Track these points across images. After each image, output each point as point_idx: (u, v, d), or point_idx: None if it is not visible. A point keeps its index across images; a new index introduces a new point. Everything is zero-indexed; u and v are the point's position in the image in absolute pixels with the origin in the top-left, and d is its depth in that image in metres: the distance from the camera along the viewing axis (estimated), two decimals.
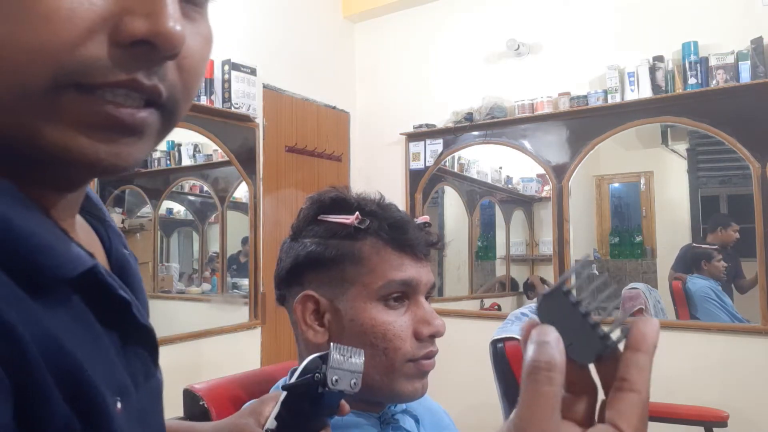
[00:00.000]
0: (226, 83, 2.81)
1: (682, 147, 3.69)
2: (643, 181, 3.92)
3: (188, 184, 3.15)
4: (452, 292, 3.88)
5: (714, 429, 2.17)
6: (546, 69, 3.12)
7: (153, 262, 2.84)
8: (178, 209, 3.15)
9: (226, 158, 2.90)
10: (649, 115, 2.82)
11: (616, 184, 4.09)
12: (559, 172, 3.04)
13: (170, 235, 3.10)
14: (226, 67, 2.80)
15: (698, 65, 2.67)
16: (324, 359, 0.55)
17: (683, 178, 3.74)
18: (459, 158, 3.69)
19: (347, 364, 0.55)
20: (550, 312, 0.36)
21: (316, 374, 0.54)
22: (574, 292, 0.36)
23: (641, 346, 0.34)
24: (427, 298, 0.80)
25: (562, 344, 0.34)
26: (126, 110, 0.33)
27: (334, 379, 0.54)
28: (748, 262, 3.00)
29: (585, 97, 2.95)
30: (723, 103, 2.62)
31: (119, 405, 0.35)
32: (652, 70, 2.78)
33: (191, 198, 3.20)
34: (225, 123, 2.84)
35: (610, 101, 2.87)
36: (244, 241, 3.04)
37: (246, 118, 2.93)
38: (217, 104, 2.78)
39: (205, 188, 3.14)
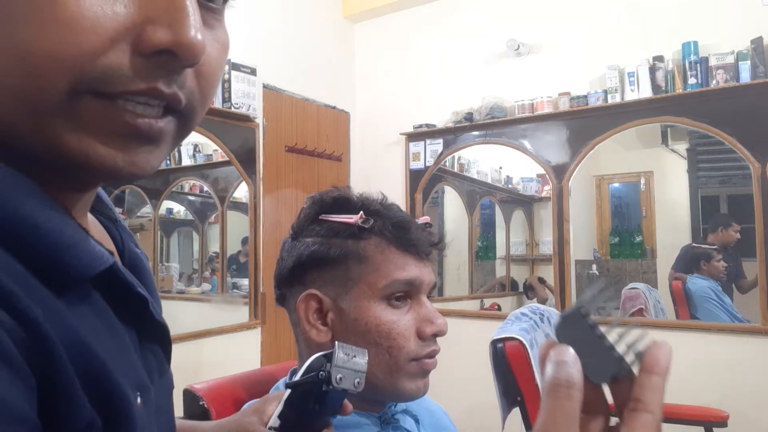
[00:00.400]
0: (226, 83, 2.81)
1: (682, 147, 3.69)
2: (643, 181, 3.93)
3: (188, 184, 3.15)
4: (452, 292, 3.88)
5: (714, 429, 2.17)
6: (546, 69, 3.12)
7: (153, 262, 2.84)
8: (178, 209, 3.15)
9: (226, 158, 2.90)
10: (649, 115, 2.82)
11: (616, 184, 4.10)
12: (559, 172, 3.04)
13: (170, 235, 3.10)
14: (226, 67, 2.80)
15: (698, 65, 2.67)
16: (328, 358, 0.55)
17: (683, 178, 3.74)
18: (459, 158, 3.69)
19: (351, 363, 0.55)
20: (568, 333, 0.38)
21: (321, 372, 0.54)
22: (591, 314, 0.38)
23: (655, 368, 0.36)
24: (427, 297, 0.80)
25: (579, 364, 0.36)
26: (144, 120, 0.33)
27: (338, 377, 0.54)
28: (748, 262, 3.00)
29: (585, 97, 2.95)
30: (723, 103, 2.62)
31: (139, 400, 0.35)
32: (652, 70, 2.78)
33: (191, 198, 3.20)
34: (225, 123, 2.85)
35: (610, 101, 2.87)
36: (244, 241, 3.04)
37: (246, 118, 2.93)
38: (217, 104, 2.78)
39: (205, 188, 3.14)
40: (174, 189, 3.08)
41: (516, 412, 1.82)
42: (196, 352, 2.63)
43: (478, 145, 3.35)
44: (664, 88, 2.75)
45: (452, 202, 4.03)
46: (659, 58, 2.78)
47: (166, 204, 3.02)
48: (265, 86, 3.08)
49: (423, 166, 3.49)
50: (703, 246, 3.24)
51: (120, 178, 0.35)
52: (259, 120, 3.04)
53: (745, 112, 2.58)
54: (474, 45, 3.37)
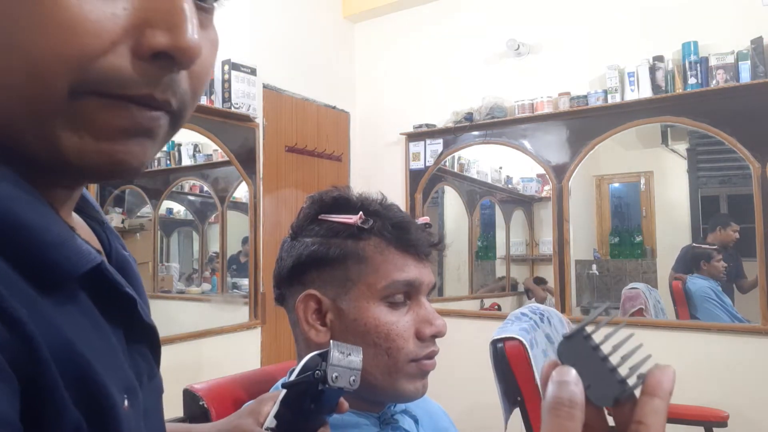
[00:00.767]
0: (226, 83, 2.81)
1: (682, 147, 3.69)
2: (643, 181, 3.93)
3: (188, 184, 3.15)
4: (452, 292, 3.88)
5: (714, 429, 2.17)
6: (546, 69, 3.12)
7: (153, 262, 2.84)
8: (178, 209, 3.15)
9: (226, 158, 2.90)
10: (649, 115, 2.82)
11: (616, 184, 4.10)
12: (559, 172, 3.04)
13: (170, 235, 3.10)
14: (226, 67, 2.80)
15: (698, 65, 2.67)
16: (323, 357, 0.55)
17: (683, 178, 3.74)
18: (459, 158, 3.69)
19: (346, 361, 0.55)
20: (570, 353, 0.38)
21: (317, 371, 0.54)
22: (594, 336, 0.38)
23: (657, 391, 0.36)
24: (427, 298, 0.80)
25: (581, 385, 0.36)
26: (142, 113, 0.34)
27: (334, 376, 0.54)
28: (748, 261, 3.00)
29: (585, 97, 2.95)
30: (723, 103, 2.62)
31: (126, 403, 0.35)
32: (652, 70, 2.78)
33: (191, 198, 3.20)
34: (225, 123, 2.85)
35: (610, 101, 2.87)
36: (245, 241, 3.04)
37: (246, 118, 2.93)
38: (217, 104, 2.78)
39: (205, 188, 3.14)
40: (174, 189, 3.08)
41: (516, 412, 1.82)
42: (196, 352, 2.63)
43: (478, 145, 3.35)
44: (664, 88, 2.75)
45: (452, 202, 4.03)
46: (659, 58, 2.78)
47: (166, 204, 3.02)
48: (265, 86, 3.08)
49: (423, 166, 3.49)
50: (703, 246, 3.24)
51: (114, 173, 0.35)
52: (259, 120, 3.04)
53: (745, 112, 2.58)
54: (474, 45, 3.37)
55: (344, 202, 0.80)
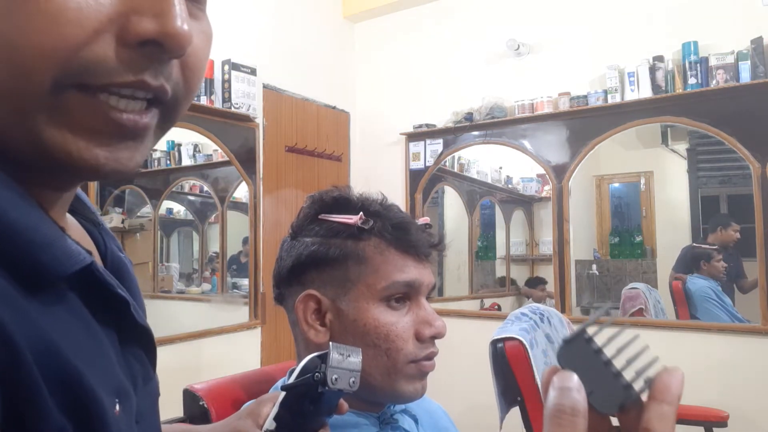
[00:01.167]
0: (226, 83, 2.81)
1: (682, 147, 3.70)
2: (643, 181, 3.93)
3: (188, 184, 3.15)
4: (452, 292, 3.88)
5: (714, 429, 2.17)
6: (546, 69, 3.12)
7: (153, 262, 2.84)
8: (178, 209, 3.15)
9: (226, 158, 2.90)
10: (649, 115, 2.82)
11: (616, 184, 4.10)
12: (559, 172, 3.04)
13: (170, 235, 3.10)
14: (226, 67, 2.80)
15: (698, 65, 2.67)
16: (323, 359, 0.55)
17: (683, 178, 3.74)
18: (459, 158, 3.69)
19: (346, 363, 0.55)
20: (572, 358, 0.36)
21: (316, 374, 0.54)
22: (596, 339, 0.36)
23: (665, 397, 0.34)
24: (426, 298, 0.80)
25: (584, 391, 0.34)
26: (129, 116, 0.32)
27: (333, 378, 0.54)
28: (748, 261, 3.00)
29: (585, 97, 2.95)
30: (723, 103, 2.62)
31: (117, 407, 0.34)
32: (652, 70, 2.78)
33: (191, 198, 3.20)
34: (225, 123, 2.85)
35: (610, 101, 2.87)
36: (245, 241, 3.04)
37: (246, 118, 2.93)
38: (217, 104, 2.78)
39: (205, 188, 3.13)
40: (174, 189, 3.08)
41: (515, 412, 1.82)
42: (196, 352, 2.63)
43: (478, 145, 3.35)
44: (664, 88, 2.75)
45: (452, 202, 4.03)
46: (659, 58, 2.78)
47: (166, 204, 3.02)
48: (265, 86, 3.08)
49: (423, 166, 3.49)
50: (703, 246, 3.24)
51: (102, 177, 0.34)
52: (259, 120, 3.04)
53: (745, 112, 2.58)
54: (474, 45, 3.37)
55: (344, 202, 0.79)
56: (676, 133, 3.55)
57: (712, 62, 2.64)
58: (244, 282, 3.00)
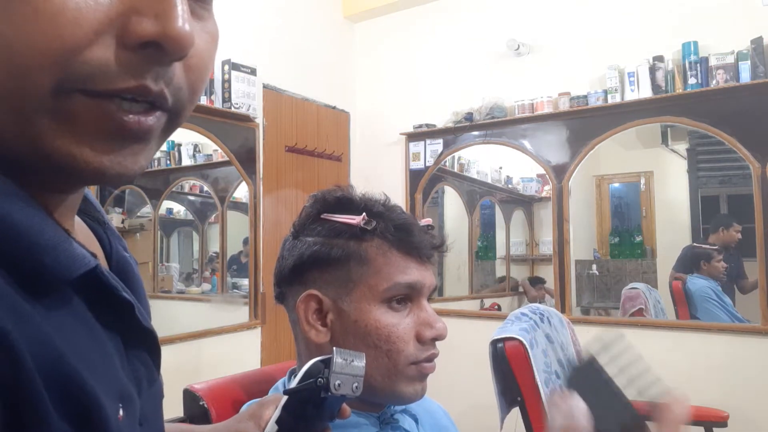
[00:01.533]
0: (226, 83, 2.81)
1: (682, 147, 3.70)
2: (643, 181, 3.93)
3: (188, 184, 3.15)
4: (452, 292, 3.88)
5: (714, 429, 2.17)
6: (546, 69, 3.12)
7: (153, 262, 2.84)
8: (178, 209, 3.15)
9: (226, 158, 2.90)
10: (649, 115, 2.82)
11: (616, 184, 4.10)
12: (559, 172, 3.04)
13: (170, 235, 3.10)
14: (226, 67, 2.80)
15: (698, 65, 2.67)
16: (326, 363, 0.55)
17: (683, 178, 3.74)
18: (459, 158, 3.69)
19: (349, 368, 0.54)
20: (580, 383, 0.37)
21: (319, 379, 0.54)
22: (604, 367, 0.37)
23: (670, 423, 0.34)
24: (428, 299, 0.80)
25: (590, 415, 0.35)
26: (133, 118, 0.32)
27: (336, 383, 0.53)
28: (748, 261, 3.00)
29: (585, 97, 2.95)
30: (723, 103, 2.62)
31: (121, 412, 0.34)
32: (652, 70, 2.78)
33: (191, 198, 3.20)
34: (225, 123, 2.84)
35: (610, 101, 2.87)
36: (246, 241, 3.04)
37: (246, 118, 2.93)
38: (217, 104, 2.78)
39: (205, 188, 3.13)
40: (174, 189, 3.08)
41: (515, 412, 1.82)
42: (196, 352, 2.63)
43: (478, 145, 3.35)
44: (664, 88, 2.75)
45: (452, 202, 4.03)
46: (659, 58, 2.78)
47: (166, 204, 3.02)
48: (265, 86, 3.08)
49: (423, 166, 3.49)
50: (703, 246, 3.24)
51: (107, 181, 0.34)
52: (259, 120, 3.04)
53: (745, 112, 2.58)
54: (474, 45, 3.37)
55: (347, 202, 0.79)
56: (676, 133, 3.55)
57: (712, 62, 2.64)
58: (244, 282, 3.00)
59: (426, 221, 0.83)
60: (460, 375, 2.85)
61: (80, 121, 0.30)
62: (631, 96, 2.82)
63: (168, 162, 2.97)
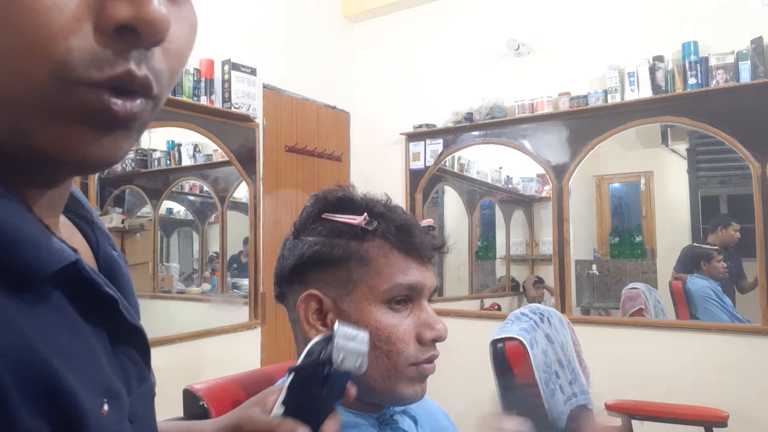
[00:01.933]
0: (226, 83, 2.81)
1: (682, 147, 3.70)
2: (643, 181, 3.93)
3: (188, 184, 3.15)
4: (452, 292, 3.88)
5: (714, 429, 2.17)
6: (546, 69, 3.12)
7: (153, 262, 2.84)
8: (178, 209, 3.15)
9: (226, 158, 2.90)
10: (649, 115, 2.82)
11: (616, 184, 4.10)
12: (559, 172, 3.04)
13: (170, 235, 3.10)
14: (226, 67, 2.80)
15: (698, 65, 2.67)
16: (328, 340, 0.54)
17: (683, 178, 3.74)
18: (459, 158, 3.69)
19: (352, 343, 0.54)
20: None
21: (322, 353, 0.54)
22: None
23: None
24: (428, 300, 0.80)
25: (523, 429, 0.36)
26: (120, 104, 0.32)
27: (339, 357, 0.53)
28: (748, 262, 3.00)
29: (585, 97, 2.95)
30: (723, 103, 2.62)
31: (106, 407, 0.33)
32: (652, 70, 2.78)
33: (191, 198, 3.20)
34: (225, 123, 2.84)
35: (610, 101, 2.87)
36: (246, 241, 3.04)
37: (246, 118, 2.93)
38: (217, 104, 2.78)
39: (205, 188, 3.13)
40: (174, 189, 3.08)
41: None
42: (196, 352, 2.62)
43: (478, 145, 3.35)
44: (664, 88, 2.75)
45: (452, 202, 4.03)
46: (659, 58, 2.78)
47: (166, 204, 3.02)
48: (265, 86, 3.08)
49: (423, 166, 3.49)
50: (703, 246, 3.24)
51: (90, 170, 0.34)
52: (259, 120, 3.04)
53: (745, 112, 2.58)
54: (474, 45, 3.37)
55: (348, 202, 0.79)
56: (676, 133, 3.55)
57: (712, 62, 2.64)
58: (244, 282, 3.00)
59: (427, 222, 0.83)
60: (460, 375, 2.85)
61: (71, 110, 0.31)
62: (631, 96, 2.82)
63: (168, 162, 2.97)
